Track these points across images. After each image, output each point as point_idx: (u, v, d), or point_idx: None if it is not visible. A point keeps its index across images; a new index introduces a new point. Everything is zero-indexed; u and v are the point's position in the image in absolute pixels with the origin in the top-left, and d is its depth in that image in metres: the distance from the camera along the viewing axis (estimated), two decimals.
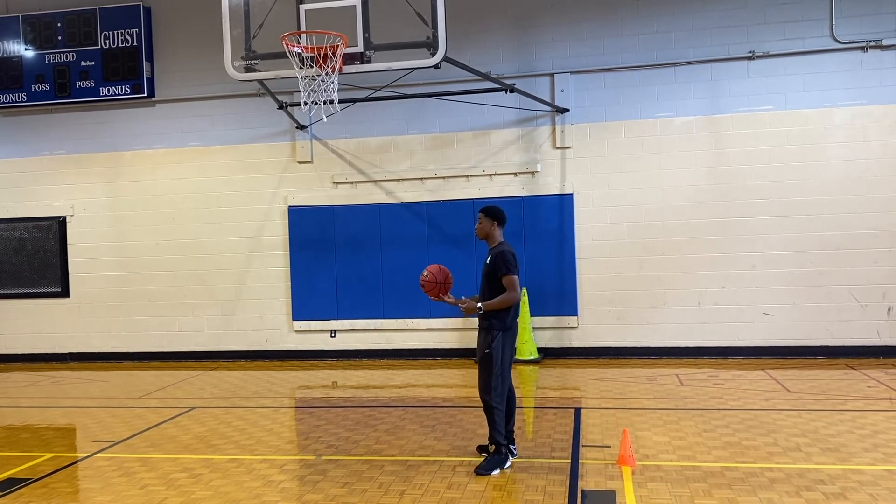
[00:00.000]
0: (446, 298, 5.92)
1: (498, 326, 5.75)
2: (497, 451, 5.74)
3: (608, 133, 10.73)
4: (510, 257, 5.76)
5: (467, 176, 11.02)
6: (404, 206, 11.15)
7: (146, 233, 11.92)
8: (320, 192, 11.41)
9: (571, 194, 10.77)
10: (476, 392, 6.01)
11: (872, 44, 10.02)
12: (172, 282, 11.83)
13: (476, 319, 5.97)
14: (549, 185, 10.84)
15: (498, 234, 5.94)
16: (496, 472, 5.63)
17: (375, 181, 11.27)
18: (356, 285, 11.27)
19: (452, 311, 10.87)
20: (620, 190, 10.66)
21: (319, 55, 7.78)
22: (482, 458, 5.87)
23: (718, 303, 10.42)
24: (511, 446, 5.88)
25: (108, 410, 8.41)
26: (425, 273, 6.00)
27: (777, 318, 10.29)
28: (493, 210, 5.97)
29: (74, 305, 12.15)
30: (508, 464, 5.75)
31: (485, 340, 5.77)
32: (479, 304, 5.76)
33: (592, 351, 10.74)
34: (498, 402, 5.73)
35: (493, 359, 5.71)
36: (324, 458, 6.20)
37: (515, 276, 5.73)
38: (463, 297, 5.86)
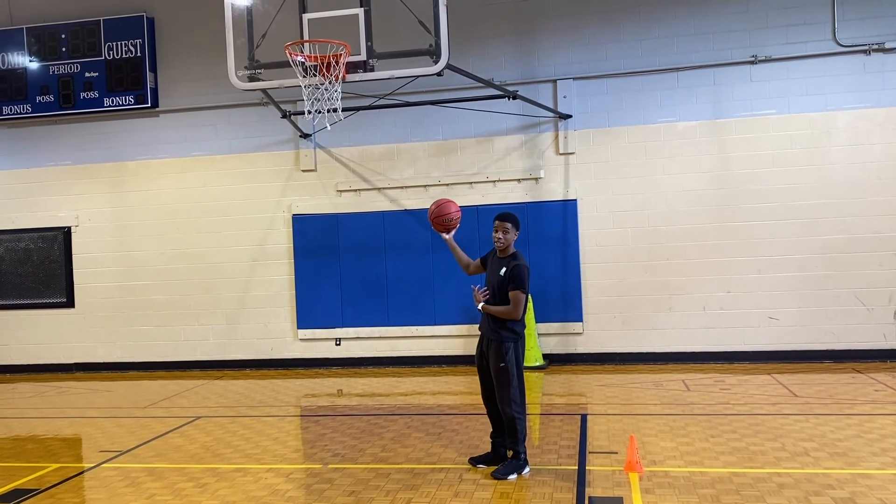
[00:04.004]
0: (450, 238, 6.11)
1: (510, 338, 5.72)
2: (515, 456, 5.72)
3: (611, 138, 10.73)
4: (526, 273, 5.68)
5: (471, 183, 11.03)
6: (408, 214, 11.16)
7: (151, 242, 11.94)
8: (324, 200, 11.43)
9: (575, 200, 10.77)
10: (481, 399, 6.01)
11: (875, 47, 10.02)
12: (177, 291, 11.84)
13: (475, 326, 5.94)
14: (552, 191, 10.85)
15: (512, 244, 5.89)
16: (513, 476, 5.62)
17: (379, 189, 11.28)
18: (361, 293, 11.27)
19: (458, 318, 10.90)
20: (624, 195, 10.66)
21: (323, 64, 7.80)
22: (488, 468, 5.86)
23: (724, 307, 10.40)
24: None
25: (113, 420, 8.41)
26: (455, 208, 6.06)
27: (783, 322, 10.26)
28: (516, 218, 5.88)
29: (79, 316, 12.17)
30: (527, 470, 5.72)
31: (497, 353, 5.70)
32: (481, 305, 5.74)
33: (598, 357, 10.72)
34: (519, 412, 5.70)
35: (509, 371, 5.68)
36: (330, 466, 6.18)
37: (524, 295, 5.67)
38: (480, 287, 5.83)
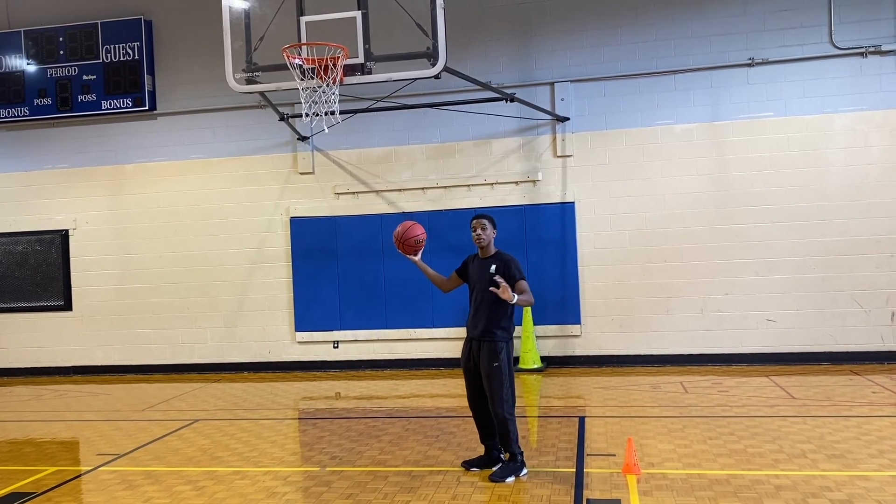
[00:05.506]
0: (419, 259, 6.15)
1: (504, 338, 5.74)
2: (512, 458, 5.71)
3: (609, 141, 10.75)
4: (520, 264, 5.82)
5: (469, 185, 11.03)
6: (406, 216, 11.14)
7: (148, 245, 11.93)
8: (322, 203, 11.43)
9: (573, 202, 10.78)
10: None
11: (871, 49, 10.04)
12: (175, 294, 11.84)
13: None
14: (550, 193, 10.85)
15: (493, 242, 5.95)
16: (511, 479, 5.61)
17: (377, 191, 11.29)
18: (358, 295, 11.27)
19: (455, 321, 10.89)
20: (622, 198, 10.67)
21: (320, 67, 7.81)
22: (486, 470, 5.86)
23: (722, 310, 10.40)
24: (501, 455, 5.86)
25: (111, 423, 8.40)
26: (421, 230, 6.08)
27: (780, 324, 10.27)
28: (492, 217, 6.01)
29: (77, 319, 12.15)
30: (525, 472, 5.72)
31: (491, 353, 5.71)
32: (515, 296, 5.55)
33: (596, 359, 10.72)
34: (510, 413, 5.69)
35: (501, 371, 5.68)
36: (328, 469, 6.18)
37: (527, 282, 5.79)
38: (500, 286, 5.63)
